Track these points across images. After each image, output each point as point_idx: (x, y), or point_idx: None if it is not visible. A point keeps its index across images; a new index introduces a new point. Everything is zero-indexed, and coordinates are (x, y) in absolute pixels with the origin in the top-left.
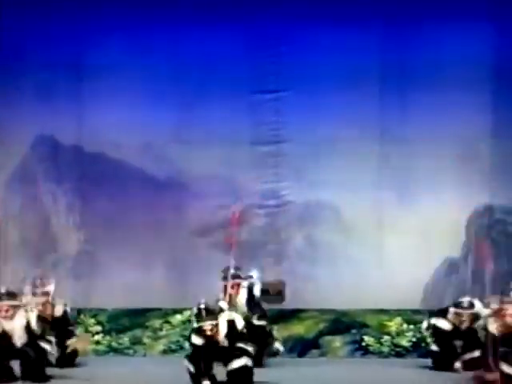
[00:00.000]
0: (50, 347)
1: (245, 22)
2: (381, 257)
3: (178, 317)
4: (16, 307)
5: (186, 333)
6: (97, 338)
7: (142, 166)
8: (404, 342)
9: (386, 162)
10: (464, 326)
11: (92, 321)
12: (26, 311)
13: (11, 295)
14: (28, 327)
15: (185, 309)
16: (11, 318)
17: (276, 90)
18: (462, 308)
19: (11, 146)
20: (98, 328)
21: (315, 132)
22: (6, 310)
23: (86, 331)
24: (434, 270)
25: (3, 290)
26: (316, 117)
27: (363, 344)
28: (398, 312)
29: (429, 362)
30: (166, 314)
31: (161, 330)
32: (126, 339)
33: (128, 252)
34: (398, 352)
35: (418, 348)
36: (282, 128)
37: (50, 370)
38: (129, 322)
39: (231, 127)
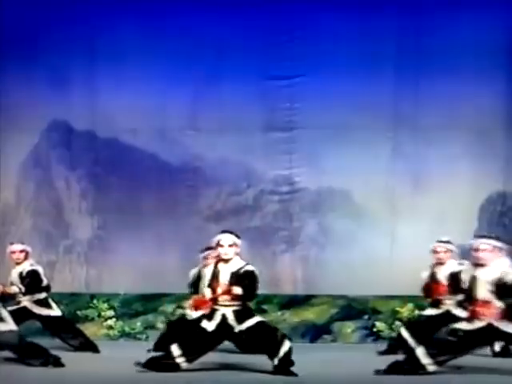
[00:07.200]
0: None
1: (259, 7)
2: (393, 243)
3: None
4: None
5: None
6: (109, 322)
7: (155, 152)
8: None
9: (399, 148)
10: None
11: (105, 305)
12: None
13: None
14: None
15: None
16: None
17: (290, 76)
18: None
19: (24, 131)
20: (111, 313)
21: (329, 118)
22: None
23: (99, 316)
24: None
25: None
26: (330, 103)
27: (375, 330)
28: (410, 298)
29: None
30: (178, 299)
31: (173, 315)
32: (138, 324)
33: (141, 237)
34: None
35: None
36: (295, 114)
37: (62, 355)
38: (141, 306)
39: (245, 113)
